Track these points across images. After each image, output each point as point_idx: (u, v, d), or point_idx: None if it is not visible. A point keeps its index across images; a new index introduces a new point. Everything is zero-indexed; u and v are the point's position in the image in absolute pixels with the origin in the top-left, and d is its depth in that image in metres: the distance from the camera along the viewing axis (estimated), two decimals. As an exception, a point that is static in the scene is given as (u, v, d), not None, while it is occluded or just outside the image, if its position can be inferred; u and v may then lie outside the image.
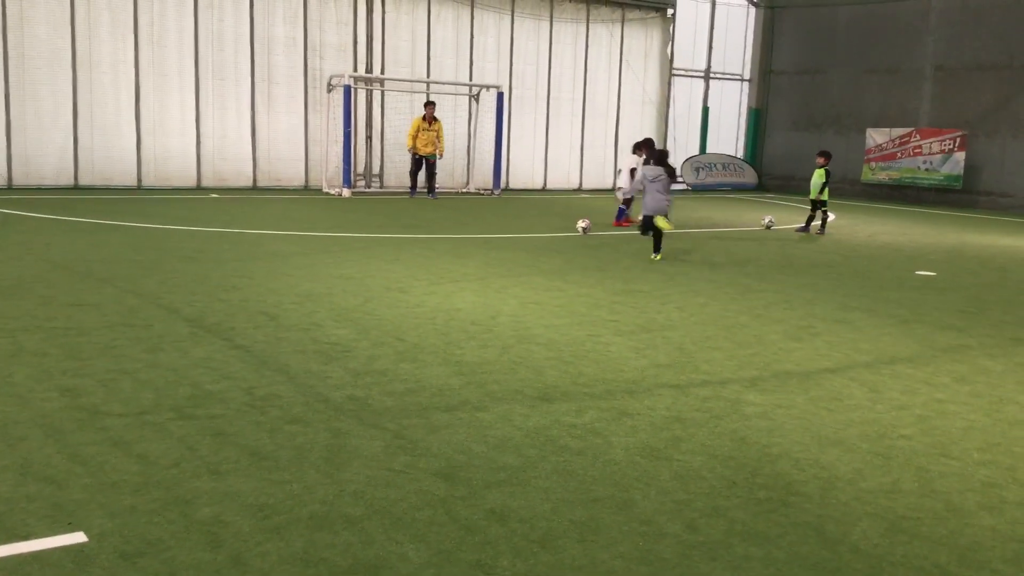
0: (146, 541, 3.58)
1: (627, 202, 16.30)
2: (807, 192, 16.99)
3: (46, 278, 9.00)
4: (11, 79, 18.29)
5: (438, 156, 21.15)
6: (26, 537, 3.58)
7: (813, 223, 16.63)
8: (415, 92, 22.65)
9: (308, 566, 3.44)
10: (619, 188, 16.66)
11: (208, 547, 3.56)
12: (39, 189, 18.47)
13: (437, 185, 21.49)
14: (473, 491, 4.20)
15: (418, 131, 20.75)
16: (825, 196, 16.41)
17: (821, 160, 16.52)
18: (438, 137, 20.95)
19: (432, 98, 22.32)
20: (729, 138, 29.87)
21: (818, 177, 16.37)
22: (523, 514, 3.97)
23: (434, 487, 4.22)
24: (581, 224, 14.87)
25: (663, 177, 12.12)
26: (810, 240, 15.58)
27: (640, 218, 12.61)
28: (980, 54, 24.42)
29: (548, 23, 24.73)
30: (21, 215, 14.13)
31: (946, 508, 4.26)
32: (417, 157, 20.89)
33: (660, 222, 11.91)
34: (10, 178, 18.51)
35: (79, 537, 3.59)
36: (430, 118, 20.84)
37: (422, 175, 21.23)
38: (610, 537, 3.80)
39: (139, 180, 19.83)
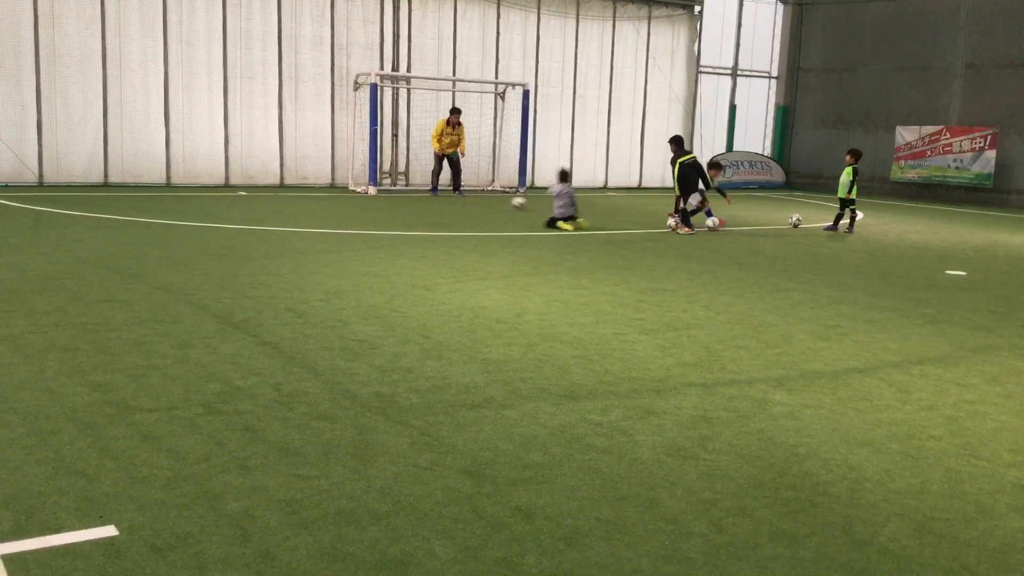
0: (176, 535, 3.62)
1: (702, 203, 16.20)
2: (835, 190, 16.90)
3: (77, 274, 9.11)
4: (42, 77, 18.51)
5: (460, 155, 21.29)
6: (58, 530, 3.63)
7: (841, 221, 16.52)
8: (441, 90, 22.71)
9: (335, 561, 3.47)
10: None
11: (237, 541, 3.59)
12: (69, 186, 18.69)
13: (462, 183, 21.55)
14: (499, 488, 4.21)
15: (442, 133, 20.87)
16: (853, 195, 16.30)
17: (849, 158, 16.45)
18: (459, 139, 21.10)
19: (458, 96, 22.36)
20: (756, 136, 29.70)
21: (846, 176, 16.29)
22: (549, 512, 3.98)
23: (460, 484, 4.24)
24: (517, 200, 15.91)
25: (567, 192, 14.89)
26: (838, 239, 15.47)
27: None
28: (1012, 51, 24.11)
29: (574, 20, 24.69)
30: (52, 212, 14.30)
31: (976, 509, 4.22)
32: (441, 156, 20.99)
33: (571, 224, 14.72)
34: (41, 175, 18.75)
35: (110, 530, 3.63)
36: (455, 123, 20.93)
37: (444, 175, 21.37)
38: (636, 536, 3.79)
39: (168, 178, 20.01)
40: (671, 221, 15.50)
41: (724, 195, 16.12)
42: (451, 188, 21.34)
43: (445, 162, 21.17)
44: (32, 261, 9.77)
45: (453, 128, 20.91)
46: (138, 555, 3.45)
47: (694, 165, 15.39)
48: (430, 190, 21.26)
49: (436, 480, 4.27)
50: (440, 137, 20.85)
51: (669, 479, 4.42)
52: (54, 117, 18.76)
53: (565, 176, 15.27)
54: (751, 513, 4.07)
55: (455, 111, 21.12)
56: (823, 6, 28.45)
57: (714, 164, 16.59)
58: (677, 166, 15.21)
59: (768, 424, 5.31)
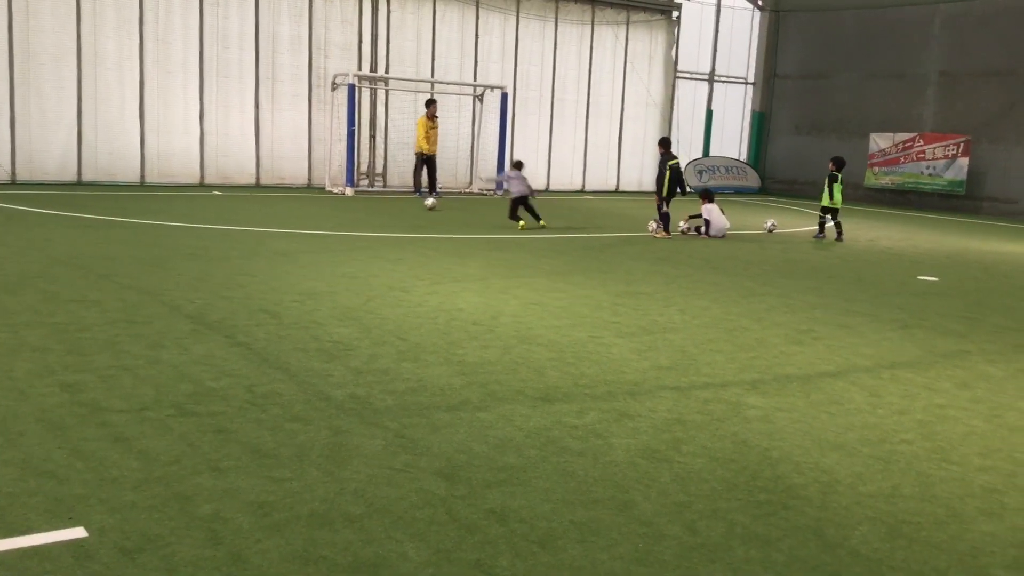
0: (146, 537, 3.58)
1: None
2: (810, 196, 16.94)
3: (48, 273, 9.01)
4: (16, 74, 18.29)
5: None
6: (26, 531, 3.58)
7: (827, 227, 16.33)
8: (419, 92, 22.66)
9: (308, 564, 3.45)
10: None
11: (208, 544, 3.56)
12: (42, 185, 18.49)
13: (440, 185, 21.53)
14: (473, 491, 4.20)
15: (427, 131, 20.85)
16: (826, 202, 16.10)
17: (831, 166, 16.35)
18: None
19: (436, 98, 22.37)
20: (732, 141, 29.88)
21: (826, 183, 16.20)
22: (523, 514, 3.97)
23: (434, 486, 4.22)
24: (429, 201, 16.49)
25: (519, 178, 15.54)
26: (812, 244, 15.57)
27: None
28: (985, 60, 24.41)
29: (553, 24, 24.73)
30: (24, 210, 14.14)
31: (946, 513, 4.26)
32: (424, 156, 20.96)
33: (521, 224, 15.19)
34: (14, 173, 18.53)
35: (79, 532, 3.59)
36: (432, 115, 20.90)
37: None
38: (610, 538, 3.80)
39: (142, 177, 19.84)
40: (682, 225, 15.60)
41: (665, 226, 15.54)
42: (428, 189, 21.28)
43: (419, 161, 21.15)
44: (3, 260, 9.65)
45: (433, 121, 20.92)
46: (107, 557, 3.41)
47: (679, 169, 15.42)
48: (415, 191, 21.16)
49: (410, 482, 4.26)
50: (427, 135, 20.83)
51: (643, 482, 4.43)
52: (27, 114, 18.55)
53: (520, 166, 16.04)
54: (724, 516, 4.08)
55: (432, 102, 21.04)
56: (800, 14, 28.67)
57: (705, 192, 16.42)
58: (669, 169, 15.12)
59: (742, 427, 5.34)
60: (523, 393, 5.78)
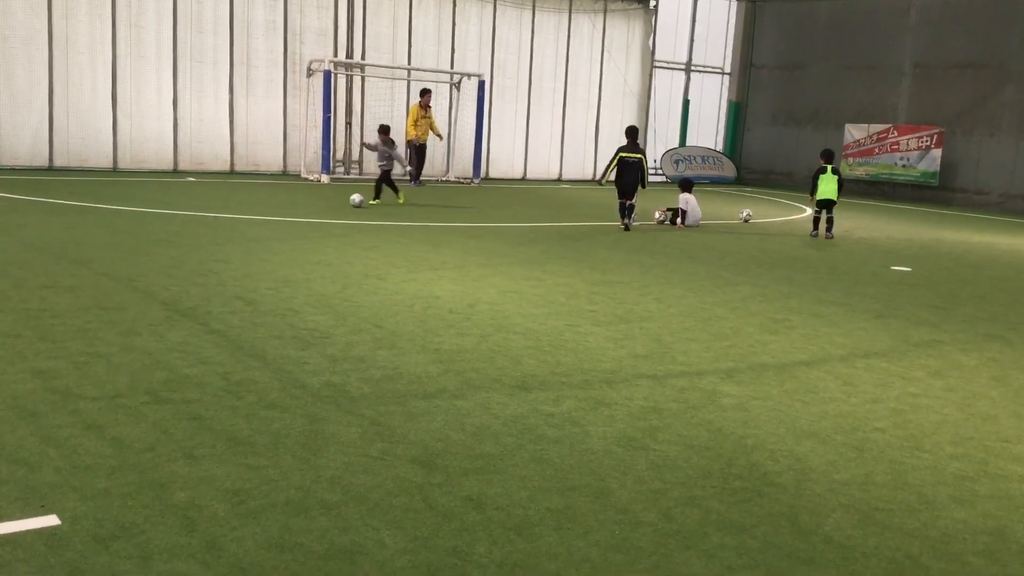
0: (120, 524, 3.55)
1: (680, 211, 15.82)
2: (786, 186, 16.90)
3: (20, 259, 8.90)
4: (-15, 57, 18.04)
5: (438, 138, 21.38)
6: (-2, 519, 3.54)
7: (821, 225, 15.34)
8: (396, 79, 22.56)
9: (283, 551, 3.43)
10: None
11: (183, 531, 3.53)
12: (13, 170, 18.24)
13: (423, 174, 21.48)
14: (450, 478, 4.20)
15: (417, 119, 20.71)
16: (818, 195, 15.10)
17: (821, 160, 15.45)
18: (431, 124, 21.04)
19: (413, 85, 22.30)
20: (709, 131, 29.97)
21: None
22: (500, 502, 3.98)
23: (411, 474, 4.22)
24: (355, 198, 15.75)
25: (383, 149, 16.15)
26: (789, 234, 15.65)
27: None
28: (959, 52, 24.61)
29: (531, 12, 24.67)
30: (-6, 195, 13.96)
31: (918, 500, 4.30)
32: (418, 145, 20.76)
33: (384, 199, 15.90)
34: (-17, 158, 18.29)
35: (52, 520, 3.56)
36: (426, 105, 20.80)
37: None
38: (586, 525, 3.81)
39: (115, 162, 19.63)
40: (658, 215, 15.64)
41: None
42: (408, 179, 21.08)
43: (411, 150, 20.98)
44: (-27, 245, 9.52)
45: (426, 111, 20.82)
46: (81, 545, 3.38)
47: (638, 164, 14.82)
48: (411, 181, 20.67)
49: (387, 470, 4.25)
50: (416, 123, 20.69)
51: (619, 469, 4.44)
52: (-3, 98, 18.30)
53: (387, 130, 16.33)
54: (699, 503, 4.10)
55: (426, 92, 20.95)
56: (776, 4, 28.77)
57: (685, 182, 16.30)
58: (624, 162, 14.45)
59: (717, 415, 5.37)
60: (500, 381, 5.79)
